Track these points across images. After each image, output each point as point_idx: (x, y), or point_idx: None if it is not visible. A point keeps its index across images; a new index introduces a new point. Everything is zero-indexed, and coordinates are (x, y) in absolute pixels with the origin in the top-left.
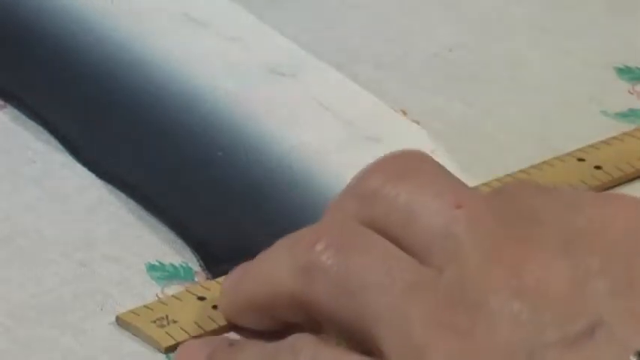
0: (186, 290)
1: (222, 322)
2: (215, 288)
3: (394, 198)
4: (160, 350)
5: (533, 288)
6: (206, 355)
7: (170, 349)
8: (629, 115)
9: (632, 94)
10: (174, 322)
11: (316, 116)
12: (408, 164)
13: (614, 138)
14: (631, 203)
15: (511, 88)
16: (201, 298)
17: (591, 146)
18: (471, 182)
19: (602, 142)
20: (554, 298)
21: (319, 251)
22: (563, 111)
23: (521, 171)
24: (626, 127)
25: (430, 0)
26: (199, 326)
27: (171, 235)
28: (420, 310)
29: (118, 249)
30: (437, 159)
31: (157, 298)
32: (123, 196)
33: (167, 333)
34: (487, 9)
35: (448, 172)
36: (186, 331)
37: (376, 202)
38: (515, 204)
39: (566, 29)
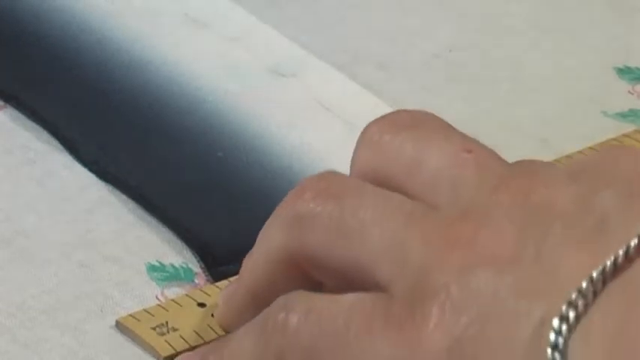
0: (187, 295)
1: (222, 332)
2: (215, 293)
3: (400, 144)
4: (159, 359)
5: (539, 203)
6: (200, 357)
7: (169, 359)
8: (629, 115)
9: (632, 94)
10: (175, 329)
11: (317, 116)
12: (413, 116)
13: (613, 140)
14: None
15: (511, 88)
16: (202, 305)
17: (591, 149)
18: None
19: (602, 144)
20: (561, 209)
21: (308, 200)
22: (563, 111)
23: None
24: (626, 127)
25: (430, 0)
26: (199, 335)
27: (171, 236)
28: (421, 234)
29: (118, 249)
30: None
31: (157, 300)
32: (123, 196)
33: (167, 342)
34: (487, 9)
35: (454, 128)
36: (185, 340)
37: (380, 150)
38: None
39: (566, 29)
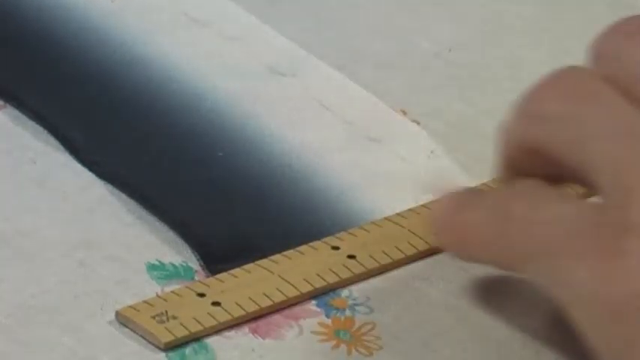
0: (186, 287)
1: (222, 319)
2: (214, 285)
3: (631, 54)
4: (158, 346)
5: None
6: (451, 204)
7: (169, 345)
8: None
9: None
10: (174, 318)
11: (316, 116)
12: None
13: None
14: None
15: (511, 88)
16: (201, 295)
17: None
18: (471, 182)
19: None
20: None
21: (548, 98)
22: None
23: None
24: None
25: (430, 0)
26: (199, 322)
27: (171, 235)
28: (636, 155)
29: (118, 249)
30: (437, 159)
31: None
32: (123, 196)
33: (167, 329)
34: (487, 9)
35: None
36: (185, 327)
37: (613, 59)
38: None
39: (566, 29)
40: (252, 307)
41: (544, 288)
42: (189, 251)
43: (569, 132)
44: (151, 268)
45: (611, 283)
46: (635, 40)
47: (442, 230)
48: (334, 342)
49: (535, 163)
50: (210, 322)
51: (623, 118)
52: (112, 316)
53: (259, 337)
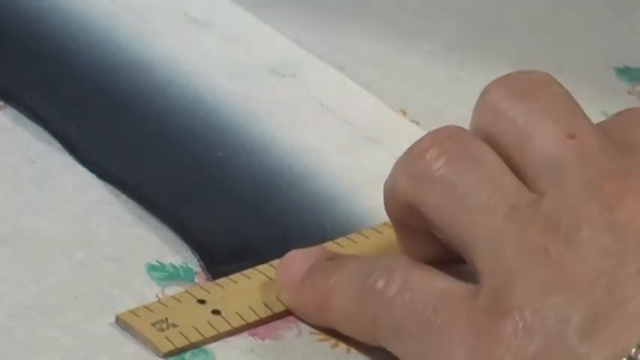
0: (186, 292)
1: (222, 329)
2: (215, 290)
3: (513, 117)
4: (158, 355)
5: (624, 223)
6: (308, 267)
7: (169, 355)
8: None
9: (632, 94)
10: (174, 326)
11: (316, 116)
12: (532, 84)
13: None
14: None
15: None
16: (201, 301)
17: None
18: None
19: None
20: None
21: (430, 160)
22: None
23: None
24: None
25: (431, 0)
26: (198, 331)
27: (171, 235)
28: (516, 235)
29: (118, 249)
30: None
31: (156, 299)
32: (123, 196)
33: (167, 338)
34: (487, 9)
35: (570, 98)
36: (185, 337)
37: (496, 117)
38: (628, 133)
39: (566, 29)
40: (252, 317)
41: None
42: (190, 252)
43: (447, 198)
44: (151, 268)
45: None
46: (515, 100)
47: (300, 291)
48: (333, 341)
49: (419, 222)
50: (210, 332)
51: (503, 191)
52: (113, 316)
53: (258, 339)
